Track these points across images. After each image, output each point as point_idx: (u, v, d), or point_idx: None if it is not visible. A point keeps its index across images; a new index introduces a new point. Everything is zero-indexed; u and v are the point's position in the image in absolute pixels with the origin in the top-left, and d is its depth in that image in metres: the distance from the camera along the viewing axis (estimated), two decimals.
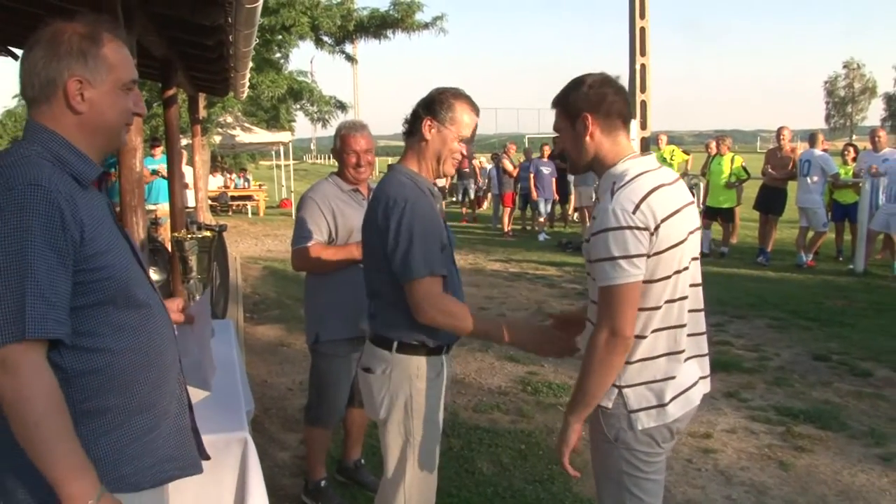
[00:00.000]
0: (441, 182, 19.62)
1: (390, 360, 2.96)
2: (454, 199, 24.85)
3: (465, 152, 3.00)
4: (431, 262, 2.79)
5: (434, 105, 2.96)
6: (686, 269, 2.54)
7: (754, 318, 9.02)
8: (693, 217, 2.58)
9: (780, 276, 11.80)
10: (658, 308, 2.49)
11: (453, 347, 3.11)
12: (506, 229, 18.19)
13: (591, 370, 2.47)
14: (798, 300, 9.91)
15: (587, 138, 2.56)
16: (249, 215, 24.07)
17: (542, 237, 17.04)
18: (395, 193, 2.85)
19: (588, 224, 3.69)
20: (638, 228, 2.38)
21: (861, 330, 8.39)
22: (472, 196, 22.61)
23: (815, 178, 12.37)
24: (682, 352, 2.57)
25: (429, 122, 2.96)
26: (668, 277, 2.48)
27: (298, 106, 20.92)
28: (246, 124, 22.43)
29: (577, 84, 2.58)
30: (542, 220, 17.64)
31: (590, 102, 2.54)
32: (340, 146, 4.06)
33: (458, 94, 2.97)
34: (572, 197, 17.85)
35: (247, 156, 34.69)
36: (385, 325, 2.98)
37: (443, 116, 2.95)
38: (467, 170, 21.94)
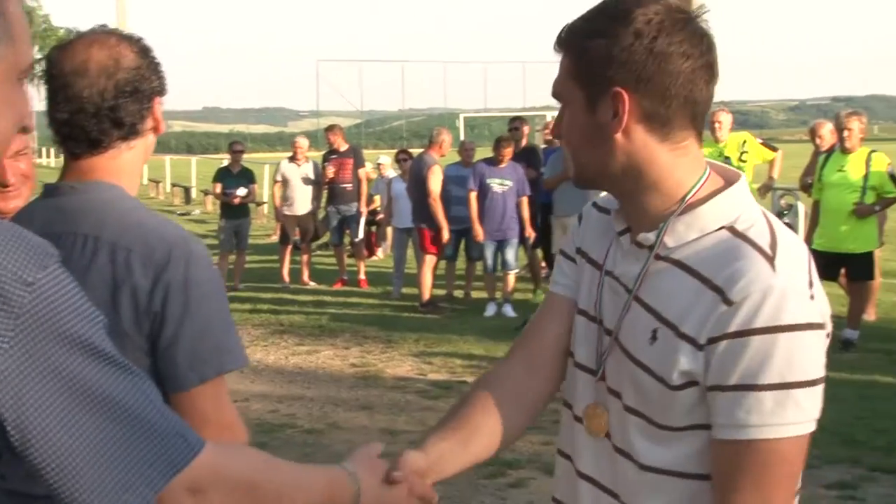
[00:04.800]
0: (302, 206, 11.77)
1: None
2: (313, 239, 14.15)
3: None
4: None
5: None
6: None
7: None
8: None
9: None
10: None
11: None
12: (424, 295, 10.09)
13: None
14: None
15: (618, 137, 1.41)
16: None
17: (491, 309, 9.88)
18: (171, 234, 1.83)
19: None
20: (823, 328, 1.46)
21: None
22: (358, 234, 12.14)
23: None
24: None
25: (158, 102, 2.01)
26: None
27: None
28: None
29: (613, 18, 1.38)
30: (506, 278, 9.92)
31: (634, 67, 1.37)
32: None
33: None
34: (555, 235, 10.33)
35: None
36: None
37: None
38: (346, 185, 11.61)
